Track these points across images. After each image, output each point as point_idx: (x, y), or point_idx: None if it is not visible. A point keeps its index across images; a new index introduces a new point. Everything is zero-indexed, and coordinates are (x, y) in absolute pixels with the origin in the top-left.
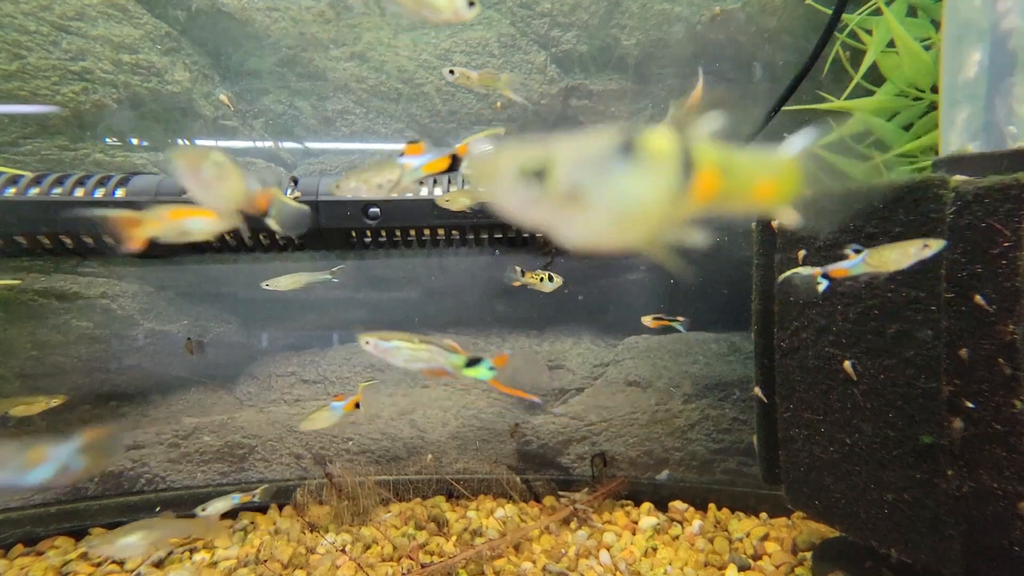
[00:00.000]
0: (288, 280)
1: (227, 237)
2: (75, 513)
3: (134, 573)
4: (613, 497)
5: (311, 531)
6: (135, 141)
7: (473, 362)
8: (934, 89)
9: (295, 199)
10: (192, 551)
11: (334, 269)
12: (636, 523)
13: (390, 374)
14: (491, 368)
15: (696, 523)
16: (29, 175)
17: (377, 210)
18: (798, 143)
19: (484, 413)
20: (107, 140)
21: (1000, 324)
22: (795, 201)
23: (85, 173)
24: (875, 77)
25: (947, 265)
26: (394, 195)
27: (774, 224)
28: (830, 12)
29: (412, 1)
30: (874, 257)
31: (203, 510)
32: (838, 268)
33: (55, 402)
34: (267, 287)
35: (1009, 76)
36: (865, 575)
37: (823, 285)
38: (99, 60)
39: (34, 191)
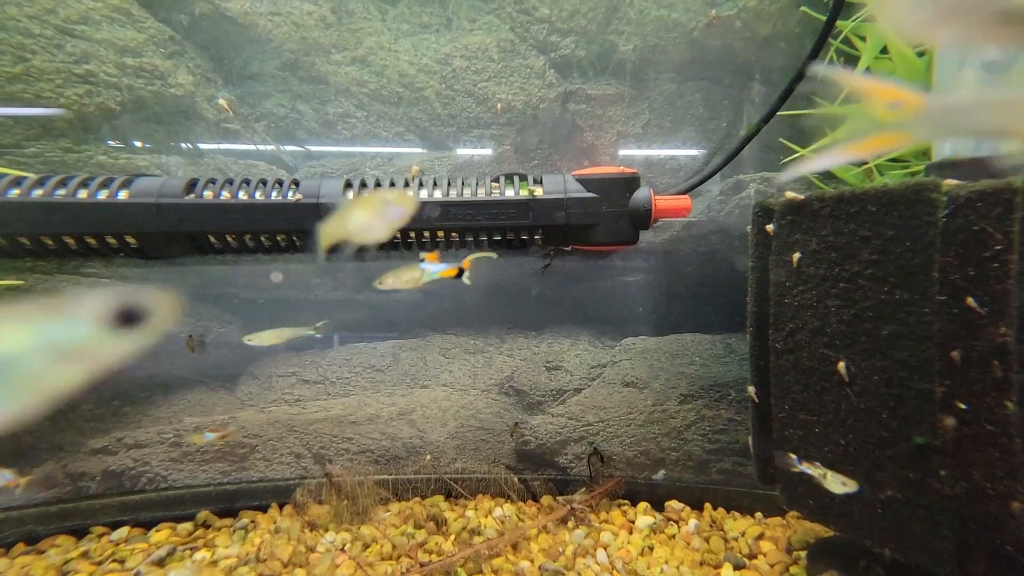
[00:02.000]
0: (271, 335)
1: (229, 238)
2: (76, 512)
3: (134, 572)
4: (610, 497)
5: (311, 530)
6: (138, 143)
7: None
8: None
9: (296, 201)
10: (193, 549)
11: (318, 325)
12: (633, 522)
13: (389, 374)
14: None
15: (692, 522)
16: (33, 177)
17: None
18: None
19: (483, 413)
20: (110, 142)
21: (992, 326)
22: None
23: (88, 175)
24: None
25: (940, 268)
26: None
27: (769, 228)
28: (824, 18)
29: None
30: None
31: None
32: None
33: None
34: (249, 342)
35: (999, 82)
36: (858, 574)
37: None
38: (103, 63)
39: (37, 192)
